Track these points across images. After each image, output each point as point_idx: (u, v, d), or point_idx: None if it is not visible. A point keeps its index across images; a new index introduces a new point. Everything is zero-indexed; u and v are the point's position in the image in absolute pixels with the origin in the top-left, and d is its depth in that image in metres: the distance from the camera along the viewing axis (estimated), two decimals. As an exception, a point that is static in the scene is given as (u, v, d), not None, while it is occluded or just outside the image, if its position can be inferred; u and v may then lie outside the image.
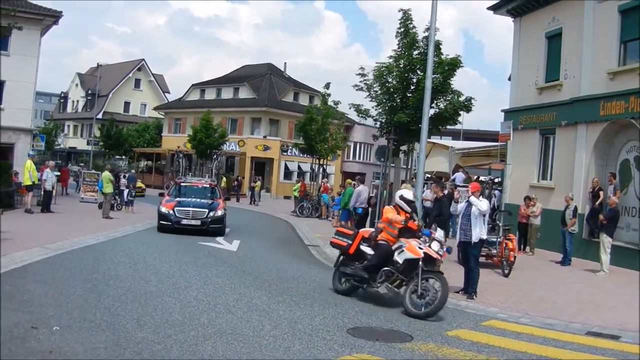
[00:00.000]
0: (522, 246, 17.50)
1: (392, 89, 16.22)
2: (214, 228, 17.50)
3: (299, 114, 39.98)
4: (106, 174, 21.95)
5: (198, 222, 17.36)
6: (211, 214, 17.60)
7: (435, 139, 29.03)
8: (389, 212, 10.02)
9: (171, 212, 17.44)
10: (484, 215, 10.50)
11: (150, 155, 56.20)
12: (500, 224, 14.50)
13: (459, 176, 20.79)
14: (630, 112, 15.69)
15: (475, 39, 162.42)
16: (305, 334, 7.22)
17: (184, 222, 17.28)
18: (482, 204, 10.32)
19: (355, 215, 19.43)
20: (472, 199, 10.34)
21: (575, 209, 16.02)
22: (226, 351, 6.31)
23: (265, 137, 48.01)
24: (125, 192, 24.67)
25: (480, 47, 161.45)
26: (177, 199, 18.39)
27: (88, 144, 59.28)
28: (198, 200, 18.30)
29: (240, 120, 50.30)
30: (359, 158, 54.39)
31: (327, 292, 10.35)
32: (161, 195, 22.15)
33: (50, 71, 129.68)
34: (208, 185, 20.29)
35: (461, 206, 10.74)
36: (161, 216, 17.68)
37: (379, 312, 8.98)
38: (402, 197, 10.07)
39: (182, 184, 20.28)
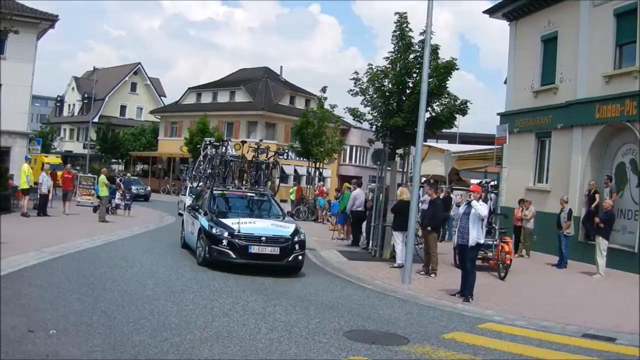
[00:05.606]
0: (516, 249, 17.51)
1: (387, 93, 16.20)
2: None
3: (295, 118, 39.95)
4: (102, 178, 21.92)
5: None
6: None
7: (431, 142, 28.96)
8: None
9: None
10: (482, 220, 10.50)
11: (147, 159, 56.12)
12: (496, 227, 14.53)
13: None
14: (625, 115, 15.76)
15: (471, 42, 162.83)
16: (302, 337, 7.22)
17: None
18: (482, 209, 10.29)
19: (351, 219, 19.41)
20: (474, 202, 10.34)
21: (570, 211, 16.05)
22: (223, 354, 6.31)
23: (261, 140, 47.69)
24: (117, 195, 24.66)
25: (476, 51, 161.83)
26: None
27: (84, 147, 59.03)
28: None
29: (237, 123, 50.29)
30: (355, 161, 54.43)
31: (323, 295, 10.37)
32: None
33: (46, 75, 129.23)
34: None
35: (461, 209, 10.76)
36: None
37: (375, 315, 8.99)
38: None
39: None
